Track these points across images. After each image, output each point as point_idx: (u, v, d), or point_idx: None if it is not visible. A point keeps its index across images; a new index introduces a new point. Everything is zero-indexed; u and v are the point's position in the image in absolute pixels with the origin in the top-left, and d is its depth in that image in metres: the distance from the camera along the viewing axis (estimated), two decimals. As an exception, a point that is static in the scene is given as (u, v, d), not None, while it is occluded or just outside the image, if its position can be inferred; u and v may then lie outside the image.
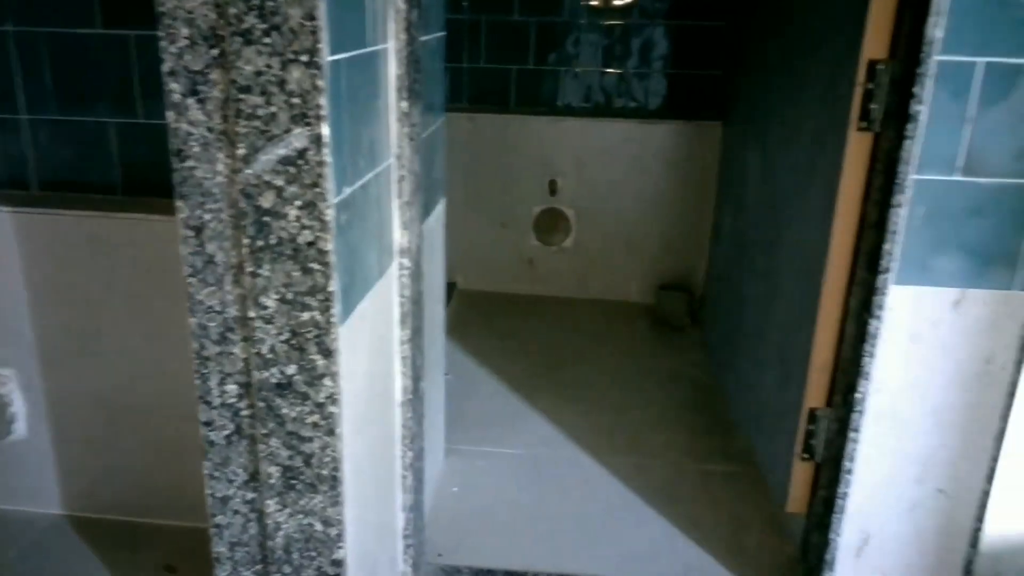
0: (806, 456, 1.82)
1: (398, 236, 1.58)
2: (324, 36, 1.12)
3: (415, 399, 1.73)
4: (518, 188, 3.67)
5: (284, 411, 1.30)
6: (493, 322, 3.48)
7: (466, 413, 2.68)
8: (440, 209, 2.12)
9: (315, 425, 1.31)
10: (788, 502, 1.89)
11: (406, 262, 1.60)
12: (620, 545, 2.06)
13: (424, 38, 1.73)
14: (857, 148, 1.60)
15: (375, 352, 1.50)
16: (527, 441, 2.54)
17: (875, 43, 1.54)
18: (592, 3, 3.56)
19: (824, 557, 1.76)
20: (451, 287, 3.78)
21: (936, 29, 1.38)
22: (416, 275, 1.67)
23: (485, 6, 3.64)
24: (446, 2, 2.01)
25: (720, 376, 2.90)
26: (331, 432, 1.30)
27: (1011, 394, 1.56)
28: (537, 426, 2.62)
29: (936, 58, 1.40)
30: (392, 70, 1.49)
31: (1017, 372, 1.55)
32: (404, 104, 1.53)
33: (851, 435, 1.64)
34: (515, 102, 3.74)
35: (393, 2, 1.46)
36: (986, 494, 1.63)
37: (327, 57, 1.15)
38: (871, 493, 1.67)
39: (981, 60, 1.40)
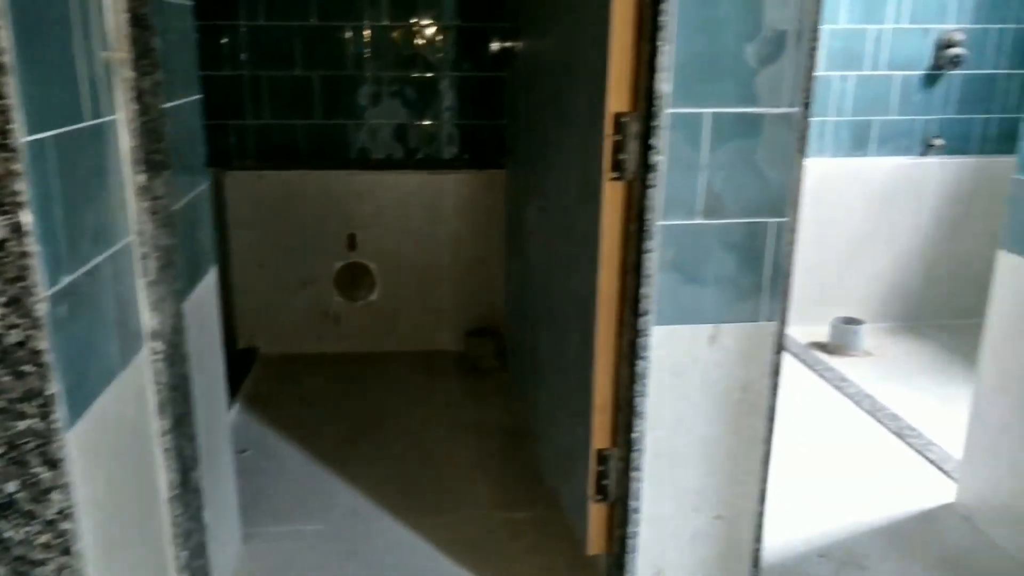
0: (600, 497, 1.85)
1: (147, 319, 1.45)
2: (17, 115, 1.01)
3: (185, 493, 1.59)
4: (317, 244, 3.56)
5: (8, 534, 1.14)
6: (299, 387, 3.34)
7: (268, 491, 2.53)
8: (210, 280, 1.99)
9: (47, 546, 1.16)
10: (588, 544, 1.91)
11: (159, 346, 1.48)
12: (430, 612, 1.99)
13: (169, 104, 1.62)
14: (611, 197, 1.67)
15: (125, 450, 1.36)
16: (335, 514, 2.42)
17: (618, 97, 1.62)
18: (367, 54, 3.56)
19: (624, 595, 1.79)
20: (252, 354, 3.59)
21: (664, 84, 1.47)
22: (174, 358, 1.54)
23: (265, 62, 3.54)
24: (198, 64, 1.91)
25: (526, 420, 2.92)
26: (67, 551, 1.16)
27: (770, 418, 1.66)
28: (345, 497, 2.51)
29: (668, 111, 1.49)
30: (124, 142, 1.38)
31: (773, 397, 1.65)
32: (142, 177, 1.42)
33: (633, 474, 1.68)
34: (305, 157, 3.65)
35: (118, 71, 1.35)
36: (760, 515, 1.72)
37: (23, 138, 1.03)
38: (657, 528, 1.72)
39: (707, 111, 1.51)
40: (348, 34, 3.55)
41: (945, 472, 2.67)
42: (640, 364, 1.61)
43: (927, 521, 2.45)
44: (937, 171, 3.90)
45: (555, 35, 2.11)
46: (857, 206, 3.89)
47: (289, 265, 3.57)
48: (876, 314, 4.03)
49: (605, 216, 1.68)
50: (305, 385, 3.35)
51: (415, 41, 3.57)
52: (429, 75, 3.60)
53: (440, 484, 2.58)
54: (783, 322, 1.65)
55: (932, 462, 2.75)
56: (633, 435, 1.66)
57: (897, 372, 3.51)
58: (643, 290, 1.56)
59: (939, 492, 2.57)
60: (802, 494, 2.57)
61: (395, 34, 3.56)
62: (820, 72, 3.73)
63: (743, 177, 1.54)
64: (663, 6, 1.41)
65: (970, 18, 3.75)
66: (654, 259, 1.55)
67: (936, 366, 3.57)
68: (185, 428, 1.63)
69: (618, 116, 1.63)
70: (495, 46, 2.75)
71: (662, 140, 1.51)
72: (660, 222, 1.53)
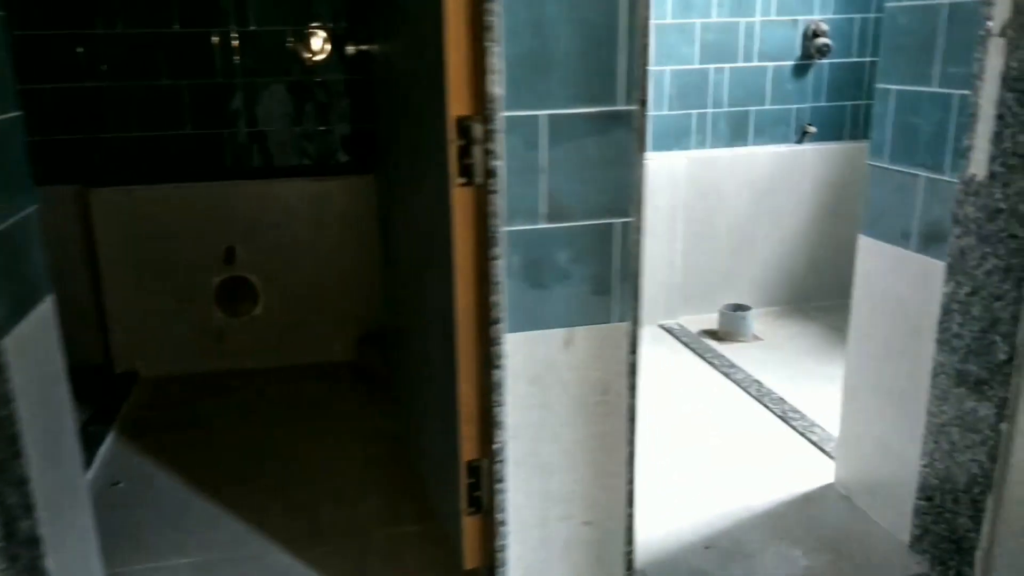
0: (472, 510, 1.81)
1: (-46, 360, 1.33)
2: None
3: (12, 544, 1.47)
4: (194, 260, 3.41)
5: None
6: (180, 410, 3.19)
7: (142, 525, 2.40)
8: (45, 309, 1.86)
9: None
10: (464, 559, 1.86)
11: (-32, 389, 1.35)
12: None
13: (-24, 125, 1.49)
14: (461, 203, 1.62)
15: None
16: (214, 546, 2.31)
17: (458, 100, 1.57)
18: (237, 61, 3.42)
19: (502, 608, 1.76)
20: (131, 378, 3.42)
21: (496, 86, 1.44)
22: (-7, 400, 1.42)
23: (128, 72, 3.37)
24: (15, 78, 1.77)
25: (409, 430, 2.86)
26: None
27: (631, 419, 1.65)
28: (227, 526, 2.40)
29: (503, 113, 1.46)
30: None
31: (632, 397, 1.64)
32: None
33: (498, 485, 1.65)
34: (177, 170, 3.49)
35: None
36: (630, 517, 1.71)
37: None
38: (527, 538, 1.69)
39: (542, 113, 1.48)
40: (215, 40, 3.40)
41: (826, 452, 2.74)
42: (496, 373, 1.57)
43: (809, 503, 2.50)
44: (812, 157, 4.01)
45: (402, 36, 2.05)
46: (742, 195, 3.97)
47: (166, 283, 3.41)
48: (764, 299, 4.13)
49: (456, 223, 1.63)
50: (187, 408, 3.20)
51: (286, 46, 3.46)
52: (303, 80, 3.49)
53: (327, 505, 2.50)
54: (636, 321, 1.64)
55: (814, 443, 2.82)
56: (495, 446, 1.63)
57: (784, 355, 3.60)
58: (493, 298, 1.52)
59: (820, 473, 2.63)
60: (689, 484, 2.59)
61: (265, 39, 3.44)
62: (695, 66, 3.79)
63: (584, 179, 1.52)
64: (489, 5, 1.38)
65: (834, 8, 3.88)
66: (501, 266, 1.51)
67: (820, 347, 3.67)
68: (15, 471, 1.50)
69: (460, 120, 1.58)
70: (351, 49, 2.66)
71: (500, 144, 1.47)
72: (505, 228, 1.50)
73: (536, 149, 1.48)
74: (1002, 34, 1.72)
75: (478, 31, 1.48)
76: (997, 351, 1.84)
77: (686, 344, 3.71)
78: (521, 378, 1.59)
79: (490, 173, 1.49)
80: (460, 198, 1.63)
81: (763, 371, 3.40)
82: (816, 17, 3.86)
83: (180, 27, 3.36)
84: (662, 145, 3.84)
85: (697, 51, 3.77)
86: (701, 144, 3.90)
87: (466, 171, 1.62)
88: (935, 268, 2.04)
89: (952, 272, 1.95)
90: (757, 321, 3.93)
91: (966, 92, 1.86)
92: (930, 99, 2.00)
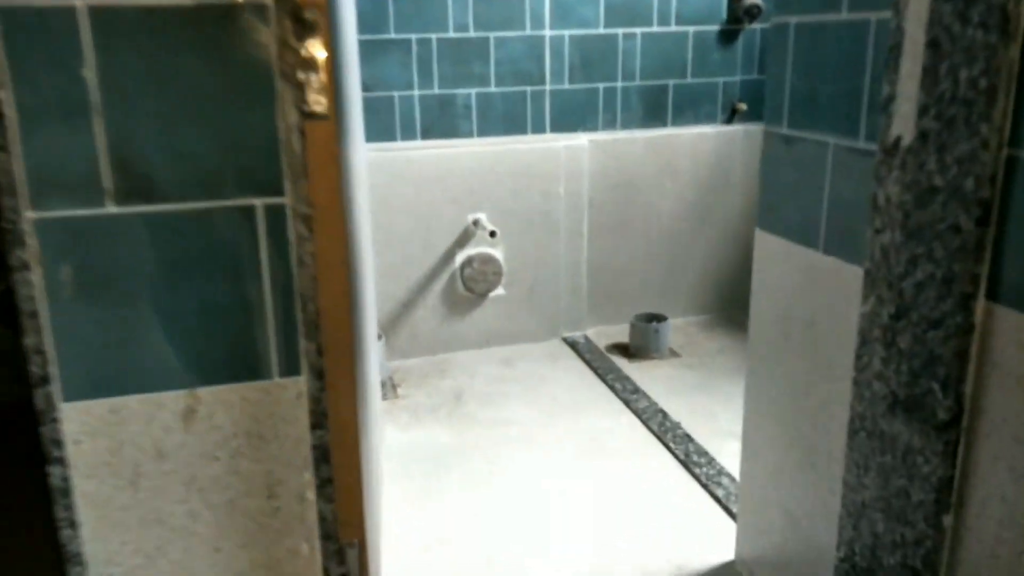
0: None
1: None
2: None
3: None
4: None
5: None
6: None
7: None
8: None
9: None
10: None
11: None
12: None
13: None
14: None
15: None
16: None
17: None
18: None
19: None
20: None
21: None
22: None
23: None
24: None
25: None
26: None
27: (328, 536, 1.01)
28: None
29: None
30: None
31: (327, 502, 1.00)
32: None
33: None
34: None
35: None
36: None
37: None
38: None
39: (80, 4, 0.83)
40: None
41: (731, 513, 2.12)
42: (56, 472, 0.92)
43: (703, 585, 1.88)
44: (743, 140, 3.40)
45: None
46: (660, 185, 3.34)
47: None
48: (687, 307, 3.51)
49: None
50: None
51: None
52: None
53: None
54: (320, 373, 1.00)
55: (718, 500, 2.19)
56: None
57: (701, 376, 2.98)
58: (29, 339, 0.88)
59: (721, 543, 2.01)
60: (570, 554, 1.96)
61: None
62: (600, 31, 3.16)
63: (183, 124, 0.88)
64: None
65: (764, -39, 3.26)
66: (37, 284, 0.87)
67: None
68: None
69: None
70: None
71: None
72: (31, 214, 0.85)
73: (77, 66, 0.83)
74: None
75: None
76: (936, 406, 1.22)
77: (588, 362, 3.08)
78: (105, 477, 0.94)
79: None
80: None
81: (672, 397, 2.78)
82: (742, -29, 3.24)
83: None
84: (562, 125, 3.21)
85: (602, 12, 3.14)
86: (610, 125, 3.27)
87: None
88: (850, 276, 1.42)
89: (871, 284, 1.33)
90: (676, 333, 3.30)
91: (885, 15, 1.24)
92: (839, 32, 1.38)
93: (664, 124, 3.34)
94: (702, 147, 3.36)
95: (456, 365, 3.10)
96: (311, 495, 1.05)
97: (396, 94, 3.01)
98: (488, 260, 3.11)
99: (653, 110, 3.31)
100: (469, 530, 2.08)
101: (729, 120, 3.41)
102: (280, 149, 0.92)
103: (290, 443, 1.02)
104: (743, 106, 3.37)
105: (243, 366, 0.96)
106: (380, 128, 3.02)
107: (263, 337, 0.98)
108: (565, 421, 2.65)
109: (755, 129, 3.38)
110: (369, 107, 2.98)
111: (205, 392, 0.97)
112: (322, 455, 1.05)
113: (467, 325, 3.19)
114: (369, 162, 2.93)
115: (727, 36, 3.31)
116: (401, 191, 3.00)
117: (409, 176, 2.99)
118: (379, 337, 2.90)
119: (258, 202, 0.92)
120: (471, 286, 3.12)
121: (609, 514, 2.14)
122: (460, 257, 3.11)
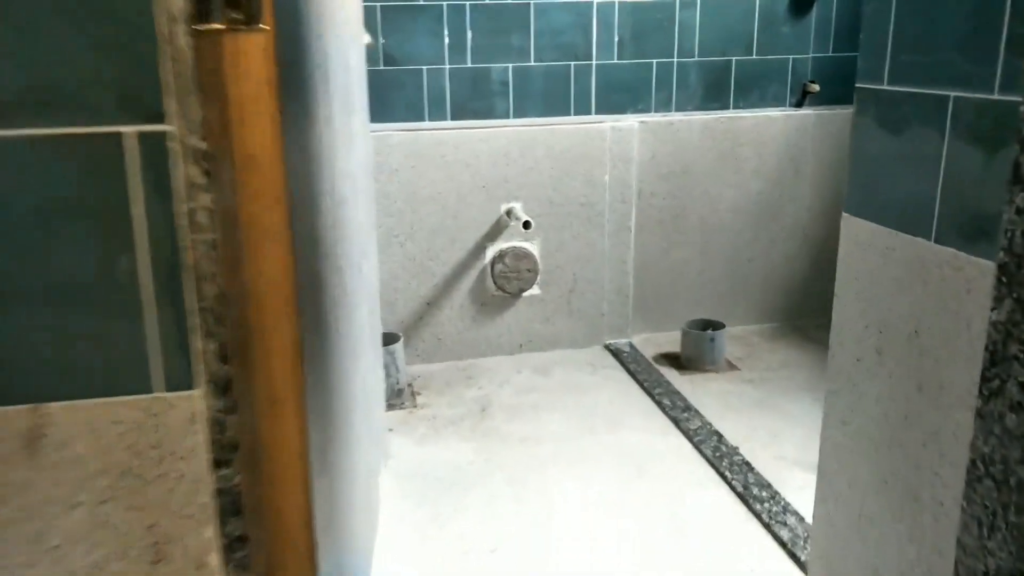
0: None
1: None
2: None
3: None
4: None
5: None
6: None
7: None
8: None
9: None
10: None
11: None
12: None
13: None
14: None
15: None
16: None
17: None
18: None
19: None
20: None
21: None
22: None
23: None
24: None
25: None
26: None
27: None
28: None
29: None
30: None
31: (228, 557, 0.70)
32: None
33: None
34: None
35: None
36: None
37: None
38: None
39: None
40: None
41: (798, 561, 1.76)
42: None
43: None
44: (816, 125, 3.01)
45: None
46: (720, 175, 2.98)
47: None
48: (746, 315, 3.13)
49: None
50: None
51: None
52: None
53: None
54: (225, 388, 0.70)
55: (783, 543, 1.83)
56: None
57: (763, 394, 2.61)
58: None
59: (786, 598, 1.66)
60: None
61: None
62: (653, -4, 2.81)
63: (11, 8, 0.59)
64: None
65: (845, -80, 2.88)
66: None
67: (817, 383, 2.66)
68: None
69: None
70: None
71: None
72: None
73: None
74: None
75: None
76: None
77: (632, 373, 2.73)
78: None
79: None
80: None
81: (729, 417, 2.42)
82: (819, -69, 2.86)
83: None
84: (609, 105, 2.88)
85: (656, -21, 2.80)
86: (663, 105, 2.93)
87: None
88: (975, 273, 1.07)
89: (1008, 283, 0.96)
90: (734, 343, 2.93)
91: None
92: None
93: (725, 106, 2.98)
94: (768, 132, 2.98)
95: (484, 372, 2.79)
96: (214, 559, 0.74)
97: (424, 67, 2.72)
98: (522, 255, 2.79)
99: (713, 90, 2.95)
100: (485, 568, 1.76)
101: (799, 103, 3.03)
102: (158, 50, 0.62)
103: (183, 485, 0.72)
104: (816, 87, 2.98)
105: (110, 373, 0.67)
106: (406, 106, 2.73)
107: (137, 332, 0.68)
108: (604, 441, 2.31)
109: (829, 114, 2.99)
110: (394, 82, 2.69)
111: (56, 408, 0.68)
112: (231, 503, 0.74)
113: (497, 328, 2.87)
114: (392, 144, 2.65)
115: (799, 7, 2.93)
116: (427, 176, 2.70)
117: (436, 160, 2.69)
118: (398, 339, 2.61)
119: (127, 129, 0.62)
120: (502, 284, 2.80)
121: (652, 554, 1.80)
122: (491, 251, 2.79)
